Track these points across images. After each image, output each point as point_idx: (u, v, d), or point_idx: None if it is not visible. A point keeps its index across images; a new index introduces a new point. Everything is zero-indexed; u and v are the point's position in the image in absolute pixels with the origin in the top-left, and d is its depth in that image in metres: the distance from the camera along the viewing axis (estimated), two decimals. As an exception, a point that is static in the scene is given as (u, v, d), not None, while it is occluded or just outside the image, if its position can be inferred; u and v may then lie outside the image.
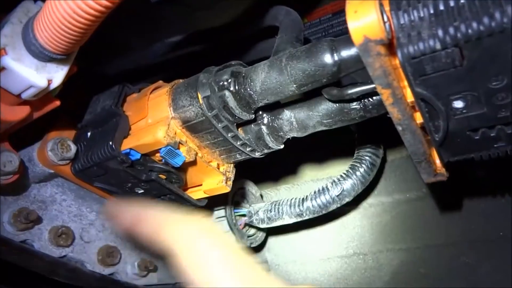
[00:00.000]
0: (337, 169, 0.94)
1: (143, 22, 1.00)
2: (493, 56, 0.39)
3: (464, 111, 0.45)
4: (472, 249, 0.81)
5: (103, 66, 0.87)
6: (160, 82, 0.69)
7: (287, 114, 0.62)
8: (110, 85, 0.69)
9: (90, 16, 0.39)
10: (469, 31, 0.38)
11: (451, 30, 0.38)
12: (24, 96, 0.50)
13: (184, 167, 0.68)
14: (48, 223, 0.71)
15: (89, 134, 0.68)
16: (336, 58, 0.51)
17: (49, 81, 0.49)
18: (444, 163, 0.53)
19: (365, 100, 0.57)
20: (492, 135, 0.47)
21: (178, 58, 0.87)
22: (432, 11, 0.40)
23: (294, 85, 0.54)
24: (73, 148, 0.67)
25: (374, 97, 0.56)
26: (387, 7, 0.43)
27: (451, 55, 0.39)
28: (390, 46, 0.43)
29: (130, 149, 0.62)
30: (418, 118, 0.48)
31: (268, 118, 0.63)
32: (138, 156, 0.63)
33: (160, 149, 0.61)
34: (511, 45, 0.38)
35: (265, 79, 0.56)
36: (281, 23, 0.68)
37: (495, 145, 0.49)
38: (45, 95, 0.52)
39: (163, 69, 0.86)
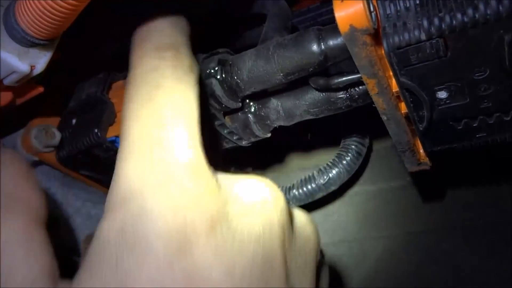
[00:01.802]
0: (324, 158, 0.95)
1: (128, 8, 0.99)
2: (476, 47, 0.39)
3: (448, 101, 0.46)
4: (452, 236, 0.83)
5: (89, 53, 0.85)
6: (147, 69, 0.68)
7: (274, 102, 0.62)
8: (96, 72, 0.68)
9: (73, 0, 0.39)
10: (454, 22, 0.38)
11: (436, 21, 0.39)
12: (6, 82, 0.49)
13: (170, 155, 0.68)
14: (32, 211, 0.70)
15: (74, 121, 0.67)
16: (322, 47, 0.51)
17: (32, 67, 0.48)
18: (428, 153, 0.54)
19: (351, 90, 0.57)
20: (474, 125, 0.48)
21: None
22: (418, 2, 0.40)
23: (281, 74, 0.54)
24: (58, 135, 0.66)
25: (360, 87, 0.56)
26: (373, -3, 0.43)
27: (435, 46, 0.40)
28: (376, 36, 0.43)
29: (116, 136, 0.62)
30: (403, 108, 0.48)
31: (255, 107, 0.63)
32: (124, 144, 0.63)
33: (146, 136, 0.61)
34: (494, 36, 0.38)
35: (252, 67, 0.56)
36: (268, 10, 0.67)
37: (477, 135, 0.50)
38: (28, 81, 0.51)
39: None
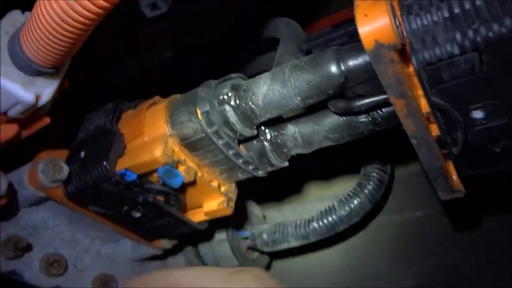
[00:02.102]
0: (342, 187, 0.90)
1: (139, 38, 0.98)
2: (516, 60, 0.36)
3: (484, 121, 0.42)
4: (493, 267, 0.76)
5: (98, 82, 0.84)
6: (157, 97, 0.66)
7: (291, 129, 0.59)
8: (105, 102, 0.66)
9: (79, 25, 0.36)
10: (490, 33, 0.35)
11: (470, 33, 0.35)
12: (11, 113, 0.46)
13: (183, 188, 0.64)
14: (39, 250, 0.67)
15: (82, 154, 0.64)
16: (342, 68, 0.48)
17: (37, 97, 0.45)
18: (462, 178, 0.50)
19: (374, 113, 0.53)
20: (514, 147, 0.44)
21: (177, 74, 0.85)
22: (447, 15, 0.37)
23: (299, 98, 0.51)
24: (66, 169, 0.63)
25: (383, 109, 0.52)
26: (397, 12, 0.40)
27: (470, 61, 0.36)
28: (402, 53, 0.40)
29: (126, 169, 0.59)
30: (434, 130, 0.44)
31: (271, 134, 0.60)
32: (134, 176, 0.59)
33: (158, 169, 0.58)
34: (536, 47, 0.34)
35: (267, 92, 0.53)
36: (282, 34, 0.65)
37: (517, 159, 0.45)
38: (33, 112, 0.49)
39: (161, 85, 0.84)
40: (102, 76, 0.84)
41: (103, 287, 0.72)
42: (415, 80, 0.40)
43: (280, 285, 0.46)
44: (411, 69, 0.39)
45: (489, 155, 0.45)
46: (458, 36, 0.36)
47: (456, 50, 0.36)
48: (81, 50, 0.48)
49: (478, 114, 0.41)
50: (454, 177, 0.50)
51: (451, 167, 0.49)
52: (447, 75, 0.38)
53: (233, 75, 0.59)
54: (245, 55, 0.81)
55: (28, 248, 0.64)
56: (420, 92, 0.41)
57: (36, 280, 0.64)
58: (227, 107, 0.55)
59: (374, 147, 0.81)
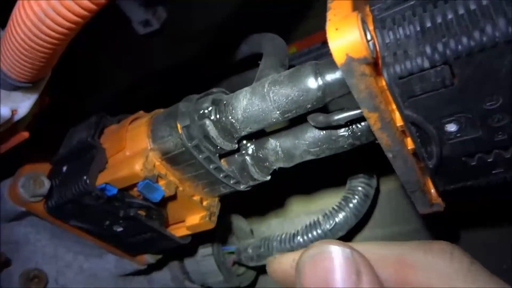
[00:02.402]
0: (330, 201, 0.90)
1: (130, 54, 0.99)
2: (485, 73, 0.36)
3: (458, 135, 0.42)
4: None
5: (86, 99, 0.84)
6: (141, 112, 0.66)
7: (272, 143, 0.59)
8: (88, 116, 0.66)
9: (52, 39, 0.37)
10: (459, 47, 0.35)
11: (440, 47, 0.36)
12: (-13, 128, 0.46)
13: (165, 202, 0.64)
14: (19, 265, 0.66)
15: (64, 168, 0.64)
16: (320, 82, 0.48)
17: (14, 111, 0.45)
18: (440, 192, 0.49)
19: (354, 127, 0.53)
20: (489, 160, 0.44)
21: (163, 89, 0.85)
22: (418, 28, 0.38)
23: (278, 112, 0.51)
24: (47, 184, 0.63)
25: (362, 123, 0.52)
26: (371, 26, 0.40)
27: (440, 74, 0.37)
28: (375, 66, 0.40)
29: (106, 183, 0.58)
30: (410, 143, 0.44)
31: (252, 148, 0.60)
32: (114, 191, 0.59)
33: (138, 183, 0.57)
34: (505, 61, 0.35)
35: (247, 106, 0.53)
36: (265, 49, 0.65)
37: (493, 172, 0.45)
38: (11, 127, 0.49)
39: (147, 100, 0.84)
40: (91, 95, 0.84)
41: (85, 303, 0.71)
42: (388, 94, 0.40)
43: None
44: (384, 82, 0.40)
45: (465, 168, 0.45)
46: (428, 50, 0.36)
47: (426, 64, 0.36)
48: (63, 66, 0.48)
49: (451, 127, 0.41)
50: (433, 191, 0.50)
51: (429, 181, 0.49)
52: (419, 88, 0.38)
53: (214, 89, 0.59)
54: (230, 70, 0.81)
55: (7, 263, 0.63)
56: (393, 106, 0.41)
57: (15, 296, 0.63)
58: (207, 121, 0.55)
59: (360, 161, 0.81)
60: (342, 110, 0.51)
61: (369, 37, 0.38)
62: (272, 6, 0.94)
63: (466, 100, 0.38)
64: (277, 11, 0.96)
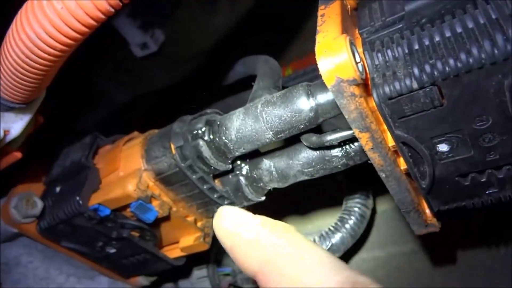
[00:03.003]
0: (327, 221, 0.89)
1: (128, 75, 1.00)
2: (474, 94, 0.36)
3: (450, 155, 0.42)
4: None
5: (81, 118, 0.84)
6: (135, 133, 0.66)
7: (266, 163, 0.59)
8: (83, 136, 0.66)
9: (44, 61, 0.37)
10: (446, 68, 0.35)
11: (427, 68, 0.36)
12: (-21, 148, 0.46)
13: (158, 223, 0.63)
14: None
15: (58, 189, 0.64)
16: (312, 103, 0.49)
17: (6, 132, 0.45)
18: (435, 212, 0.49)
19: (347, 147, 0.53)
20: (482, 180, 0.44)
21: (158, 109, 0.85)
22: (406, 50, 0.38)
23: (271, 132, 0.51)
24: (40, 204, 0.62)
25: (356, 143, 0.52)
26: (360, 48, 0.41)
27: (429, 94, 0.37)
28: (366, 87, 0.40)
29: (99, 204, 0.58)
30: (402, 163, 0.44)
31: (246, 169, 0.60)
32: (107, 212, 0.59)
33: (131, 203, 0.57)
34: (492, 82, 0.35)
35: (240, 126, 0.53)
36: (259, 71, 0.66)
37: (487, 192, 0.45)
38: (4, 147, 0.49)
39: (141, 121, 0.84)
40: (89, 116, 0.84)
41: (77, 326, 0.70)
42: (379, 114, 0.40)
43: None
44: (374, 103, 0.40)
45: (459, 188, 0.45)
46: (416, 71, 0.36)
47: (415, 85, 0.37)
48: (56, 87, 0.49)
49: (443, 147, 0.41)
50: (427, 211, 0.50)
51: (423, 201, 0.49)
52: (409, 108, 0.38)
53: (208, 110, 0.59)
54: (226, 91, 0.82)
55: (-3, 286, 0.62)
56: (384, 126, 0.41)
57: (4, 320, 0.61)
58: (201, 142, 0.55)
59: (357, 181, 0.81)
60: (335, 130, 0.51)
61: (358, 59, 0.38)
62: (269, 28, 0.96)
63: (456, 120, 0.39)
64: (273, 33, 0.98)
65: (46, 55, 0.36)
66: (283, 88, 0.63)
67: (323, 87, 0.49)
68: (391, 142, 0.42)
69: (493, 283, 0.75)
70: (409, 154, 0.42)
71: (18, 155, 0.52)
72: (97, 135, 0.66)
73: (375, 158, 0.43)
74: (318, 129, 0.55)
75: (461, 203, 0.47)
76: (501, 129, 0.38)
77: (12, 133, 0.46)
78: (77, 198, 0.57)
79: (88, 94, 0.91)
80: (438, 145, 0.41)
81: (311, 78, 1.01)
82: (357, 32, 0.42)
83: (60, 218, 0.59)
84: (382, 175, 0.44)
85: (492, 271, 0.75)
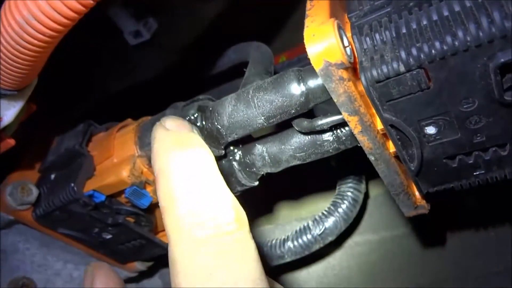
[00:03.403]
0: (321, 206, 0.90)
1: (121, 63, 1.00)
2: (460, 76, 0.37)
3: (438, 137, 0.42)
4: (463, 286, 0.76)
5: (74, 107, 0.85)
6: (128, 120, 0.67)
7: (259, 148, 0.59)
8: (76, 124, 0.66)
9: (35, 47, 0.37)
10: (432, 51, 0.36)
11: (414, 51, 0.36)
12: (-28, 135, 0.47)
13: (153, 209, 0.64)
14: (7, 274, 0.66)
15: (52, 176, 0.64)
16: (303, 88, 0.49)
17: (-1, 119, 0.46)
18: (424, 195, 0.50)
19: (338, 131, 0.54)
20: (470, 162, 0.44)
21: (151, 97, 0.86)
22: (394, 34, 0.38)
23: (262, 118, 0.52)
24: (35, 192, 0.63)
25: (347, 128, 0.53)
26: (348, 33, 0.41)
27: (416, 77, 0.37)
28: (354, 72, 0.41)
29: (94, 190, 0.59)
30: (391, 146, 0.45)
31: (239, 154, 0.60)
32: (102, 198, 0.59)
33: (125, 189, 0.58)
34: (478, 64, 0.36)
35: (232, 112, 0.53)
36: (251, 57, 0.66)
37: (475, 173, 0.46)
38: (-3, 135, 0.49)
39: (135, 108, 0.84)
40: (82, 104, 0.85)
41: (75, 311, 0.71)
42: (368, 98, 0.41)
43: None
44: (362, 87, 0.40)
45: (447, 170, 0.46)
46: (403, 54, 0.37)
47: (402, 68, 0.37)
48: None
49: (430, 130, 0.42)
50: (417, 193, 0.51)
51: (412, 184, 0.50)
52: (396, 92, 0.39)
53: (200, 96, 0.60)
54: (220, 78, 0.82)
55: (-5, 272, 0.63)
56: (373, 110, 0.42)
57: (3, 305, 0.62)
58: (193, 128, 0.55)
59: (350, 166, 0.82)
60: (326, 115, 0.51)
61: (346, 43, 0.39)
62: (262, 16, 0.95)
63: (443, 102, 0.39)
64: (267, 20, 0.98)
65: (35, 41, 0.36)
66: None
67: (313, 72, 0.49)
68: (379, 125, 0.43)
69: (484, 265, 0.76)
70: (398, 137, 0.43)
71: (11, 142, 0.52)
72: (91, 123, 0.66)
73: (364, 142, 0.43)
74: (311, 114, 0.55)
75: (449, 185, 0.48)
76: (487, 111, 0.39)
77: (5, 120, 0.47)
78: (72, 184, 0.58)
79: (81, 82, 0.91)
80: (426, 128, 0.42)
81: (305, 65, 1.01)
82: (346, 16, 0.43)
83: (56, 204, 0.60)
84: (372, 158, 0.45)
85: (482, 253, 0.76)
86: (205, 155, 0.43)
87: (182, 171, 0.40)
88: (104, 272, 0.51)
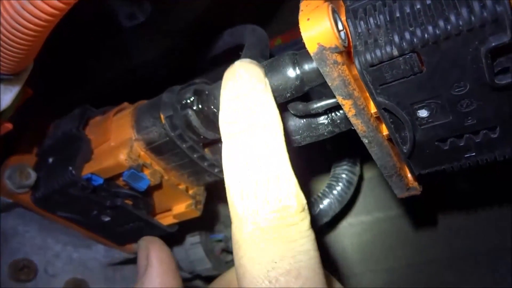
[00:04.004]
0: (316, 188, 0.92)
1: (116, 47, 0.99)
2: (452, 60, 0.37)
3: (430, 120, 0.43)
4: (453, 266, 0.78)
5: (71, 91, 0.84)
6: (125, 103, 0.67)
7: (255, 132, 0.60)
8: (73, 108, 0.67)
9: (30, 31, 0.37)
10: (425, 35, 0.36)
11: (407, 35, 0.37)
12: (-31, 120, 0.47)
13: (151, 192, 0.65)
14: (8, 256, 0.67)
15: (50, 160, 0.65)
16: (298, 71, 0.49)
17: (-4, 103, 0.46)
18: (416, 176, 0.51)
19: (333, 114, 0.55)
20: (461, 144, 0.45)
21: (147, 81, 0.86)
22: (388, 18, 0.39)
23: (258, 101, 0.52)
24: (33, 175, 0.64)
25: (341, 111, 0.54)
26: (343, 17, 0.42)
27: (409, 61, 0.38)
28: (349, 55, 0.41)
29: (92, 173, 0.59)
30: (384, 129, 0.46)
31: (235, 137, 0.61)
32: (100, 181, 0.60)
33: (123, 172, 0.58)
34: (469, 49, 0.36)
35: (228, 95, 0.54)
36: (246, 40, 0.66)
37: (465, 156, 0.47)
38: (-6, 119, 0.50)
39: (131, 92, 0.84)
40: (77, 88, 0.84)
41: (75, 291, 0.73)
42: (361, 82, 0.41)
43: None
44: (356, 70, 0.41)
45: (438, 153, 0.47)
46: (396, 38, 0.37)
47: (395, 52, 0.38)
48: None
49: (423, 113, 0.43)
50: (409, 175, 0.52)
51: (405, 166, 0.51)
52: (390, 75, 0.40)
53: (197, 80, 0.60)
54: (216, 61, 0.82)
55: (-4, 254, 0.64)
56: (367, 93, 0.42)
57: (4, 285, 0.64)
58: (190, 111, 0.56)
59: (345, 149, 0.83)
60: (321, 98, 0.52)
61: (340, 27, 0.39)
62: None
63: (435, 86, 0.40)
64: (263, 2, 0.97)
65: (31, 25, 0.36)
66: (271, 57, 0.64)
67: (308, 56, 0.49)
68: (373, 108, 0.44)
69: (472, 245, 0.78)
70: (391, 120, 0.44)
71: (9, 126, 0.53)
72: (87, 107, 0.66)
73: (358, 125, 0.44)
74: (307, 98, 0.56)
75: (440, 167, 0.49)
76: (478, 95, 0.40)
77: (2, 104, 0.47)
78: (70, 168, 0.58)
79: (76, 66, 0.91)
80: (418, 111, 0.43)
81: (301, 48, 1.01)
82: (341, 0, 0.43)
83: (54, 188, 0.61)
84: (365, 141, 0.46)
85: (471, 233, 0.78)
86: (276, 129, 0.39)
87: (249, 148, 0.37)
88: (158, 246, 0.52)
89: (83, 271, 0.76)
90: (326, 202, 0.76)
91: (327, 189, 0.78)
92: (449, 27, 0.35)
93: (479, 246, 0.77)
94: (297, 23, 0.39)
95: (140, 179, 0.59)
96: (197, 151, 0.59)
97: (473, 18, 0.34)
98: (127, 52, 0.99)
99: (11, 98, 0.47)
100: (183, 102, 0.56)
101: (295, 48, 1.04)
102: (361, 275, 0.87)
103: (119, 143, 0.60)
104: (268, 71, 0.51)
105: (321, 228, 0.79)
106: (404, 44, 0.37)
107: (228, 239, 0.85)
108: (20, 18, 0.35)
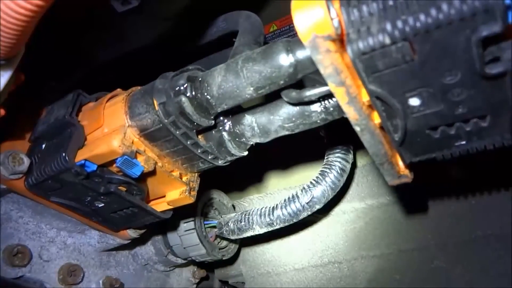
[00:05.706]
0: (309, 175, 0.92)
1: (109, 32, 0.98)
2: (444, 49, 0.38)
3: (421, 108, 0.44)
4: (444, 252, 0.80)
5: (63, 77, 0.84)
6: (118, 90, 0.67)
7: (248, 119, 0.60)
8: (66, 94, 0.66)
9: (21, 16, 0.37)
10: (417, 23, 0.36)
11: (399, 24, 0.37)
12: (-39, 105, 0.47)
13: (145, 178, 0.65)
14: (2, 242, 0.67)
15: (43, 146, 0.65)
16: (291, 59, 0.50)
17: (-13, 89, 0.46)
18: (407, 164, 0.52)
19: (326, 102, 0.55)
20: (451, 133, 0.46)
21: (141, 67, 0.85)
22: (381, 6, 0.39)
23: (251, 88, 0.53)
24: (26, 161, 0.63)
25: (334, 99, 0.54)
26: (336, 5, 0.41)
27: (401, 50, 0.38)
28: (341, 43, 0.41)
29: (85, 160, 0.59)
30: (376, 117, 0.46)
31: (229, 124, 0.61)
32: (94, 167, 0.60)
33: (116, 159, 0.58)
34: (461, 37, 0.36)
35: (221, 82, 0.54)
36: (240, 27, 0.66)
37: (456, 144, 0.47)
38: (-14, 105, 0.49)
39: (124, 78, 0.84)
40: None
41: (69, 276, 0.73)
42: (354, 70, 0.42)
43: None
44: (349, 58, 0.41)
45: (429, 141, 0.47)
46: (389, 27, 0.37)
47: (387, 40, 0.38)
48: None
49: (414, 102, 0.43)
50: (400, 163, 0.52)
51: (396, 154, 0.51)
52: (382, 64, 0.40)
53: (190, 66, 0.60)
54: (210, 48, 0.82)
55: (-11, 240, 0.64)
56: (359, 81, 0.42)
57: (-1, 271, 0.64)
58: (183, 98, 0.56)
59: (338, 137, 0.83)
60: (314, 86, 0.52)
61: (334, 15, 0.39)
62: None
63: (427, 75, 0.40)
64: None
65: (22, 10, 0.36)
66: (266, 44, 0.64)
67: (302, 43, 0.49)
68: (365, 97, 0.44)
69: (463, 232, 0.80)
70: (383, 108, 0.44)
71: (1, 111, 0.53)
72: (80, 92, 0.66)
73: (350, 112, 0.44)
74: (300, 85, 0.56)
75: (431, 155, 0.50)
76: (468, 84, 0.40)
77: (-6, 90, 0.47)
78: (64, 154, 0.58)
79: (68, 52, 0.90)
80: (410, 99, 0.43)
81: (296, 35, 1.01)
82: (334, -13, 0.43)
83: (48, 174, 0.61)
84: (357, 128, 0.46)
85: (462, 220, 0.80)
86: None
87: None
88: None
89: (77, 257, 0.77)
90: (319, 189, 0.77)
91: (320, 176, 0.78)
92: (440, 16, 0.35)
93: (470, 233, 0.78)
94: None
95: (133, 166, 0.59)
96: (190, 138, 0.59)
97: (464, 7, 0.34)
98: (121, 37, 0.98)
99: (3, 83, 0.47)
100: (177, 89, 0.56)
101: (291, 34, 1.05)
102: (353, 261, 0.89)
103: (112, 129, 0.60)
104: (262, 58, 0.52)
105: (314, 215, 0.80)
106: (396, 32, 0.37)
107: (221, 225, 0.86)
108: (10, 3, 0.35)
